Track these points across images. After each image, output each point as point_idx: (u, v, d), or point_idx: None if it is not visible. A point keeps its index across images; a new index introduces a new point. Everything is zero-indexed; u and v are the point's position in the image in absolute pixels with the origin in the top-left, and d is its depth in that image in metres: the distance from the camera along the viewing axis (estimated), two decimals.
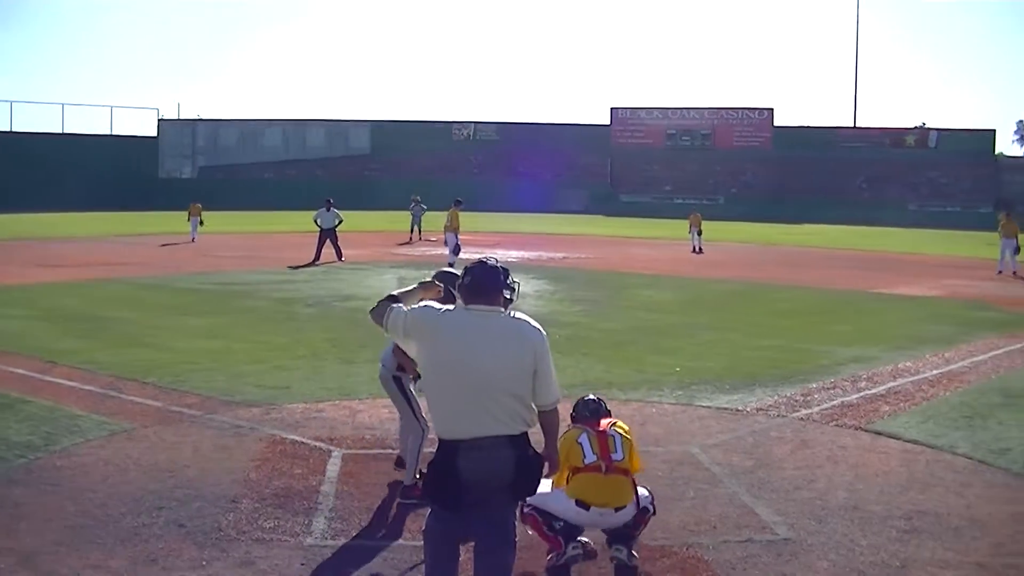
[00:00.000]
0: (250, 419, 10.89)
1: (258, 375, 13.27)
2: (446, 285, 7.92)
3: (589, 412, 7.28)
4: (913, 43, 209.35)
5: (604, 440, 7.03)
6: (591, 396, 7.57)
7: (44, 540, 7.19)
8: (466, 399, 5.41)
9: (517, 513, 6.33)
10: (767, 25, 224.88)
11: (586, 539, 7.13)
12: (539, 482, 5.86)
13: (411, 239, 43.05)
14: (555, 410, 5.69)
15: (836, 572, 6.91)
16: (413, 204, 44.95)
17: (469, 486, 5.43)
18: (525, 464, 5.53)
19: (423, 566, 5.93)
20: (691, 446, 10.08)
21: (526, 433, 5.56)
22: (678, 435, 10.55)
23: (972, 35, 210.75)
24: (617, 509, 6.90)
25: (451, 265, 26.11)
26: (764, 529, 7.76)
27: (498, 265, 5.66)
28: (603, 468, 6.91)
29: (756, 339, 17.19)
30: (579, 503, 6.87)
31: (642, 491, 7.21)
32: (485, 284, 5.56)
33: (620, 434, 7.11)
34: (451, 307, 5.69)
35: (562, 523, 6.93)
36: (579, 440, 7.01)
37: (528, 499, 6.45)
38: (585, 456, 6.95)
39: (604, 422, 7.18)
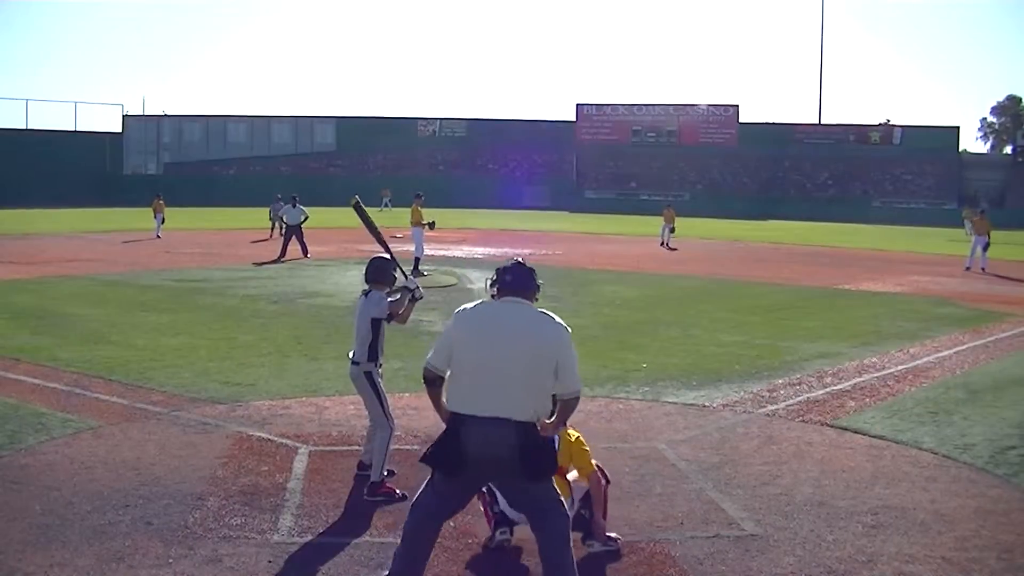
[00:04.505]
0: (216, 416, 10.84)
1: (223, 372, 13.20)
2: (386, 274, 8.14)
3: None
4: (878, 40, 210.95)
5: None
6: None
7: (9, 539, 7.13)
8: (482, 375, 5.76)
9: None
10: (732, 22, 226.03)
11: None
12: (553, 464, 6.10)
13: (271, 236, 40.55)
14: (576, 399, 5.96)
15: (803, 567, 6.94)
16: (275, 200, 41.69)
17: (470, 459, 5.75)
18: (531, 448, 5.76)
19: (398, 541, 6.12)
20: (658, 442, 10.11)
21: (534, 424, 5.83)
22: (645, 431, 10.59)
23: (937, 32, 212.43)
24: None
25: (417, 261, 26.10)
26: (731, 525, 7.80)
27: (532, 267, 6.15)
28: None
29: (721, 335, 17.25)
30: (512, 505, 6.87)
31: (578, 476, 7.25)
32: (525, 283, 6.04)
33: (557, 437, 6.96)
34: (482, 300, 6.09)
35: (500, 509, 6.99)
36: None
37: None
38: None
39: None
